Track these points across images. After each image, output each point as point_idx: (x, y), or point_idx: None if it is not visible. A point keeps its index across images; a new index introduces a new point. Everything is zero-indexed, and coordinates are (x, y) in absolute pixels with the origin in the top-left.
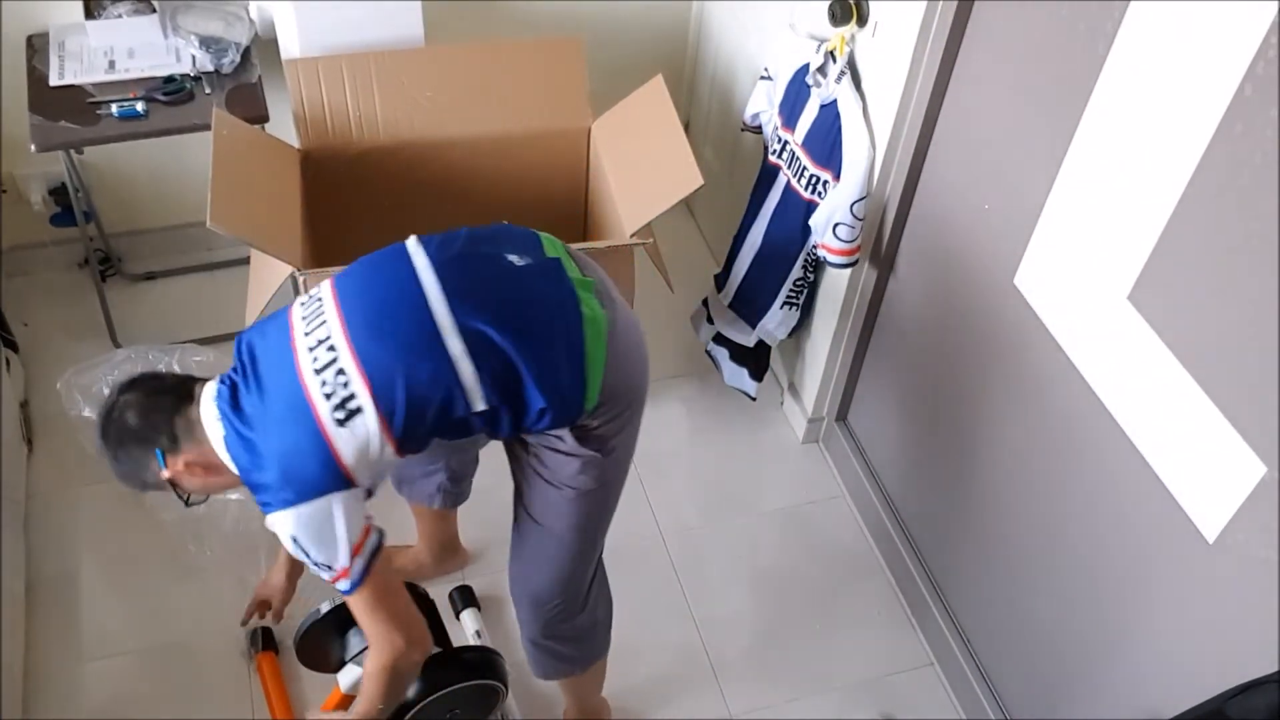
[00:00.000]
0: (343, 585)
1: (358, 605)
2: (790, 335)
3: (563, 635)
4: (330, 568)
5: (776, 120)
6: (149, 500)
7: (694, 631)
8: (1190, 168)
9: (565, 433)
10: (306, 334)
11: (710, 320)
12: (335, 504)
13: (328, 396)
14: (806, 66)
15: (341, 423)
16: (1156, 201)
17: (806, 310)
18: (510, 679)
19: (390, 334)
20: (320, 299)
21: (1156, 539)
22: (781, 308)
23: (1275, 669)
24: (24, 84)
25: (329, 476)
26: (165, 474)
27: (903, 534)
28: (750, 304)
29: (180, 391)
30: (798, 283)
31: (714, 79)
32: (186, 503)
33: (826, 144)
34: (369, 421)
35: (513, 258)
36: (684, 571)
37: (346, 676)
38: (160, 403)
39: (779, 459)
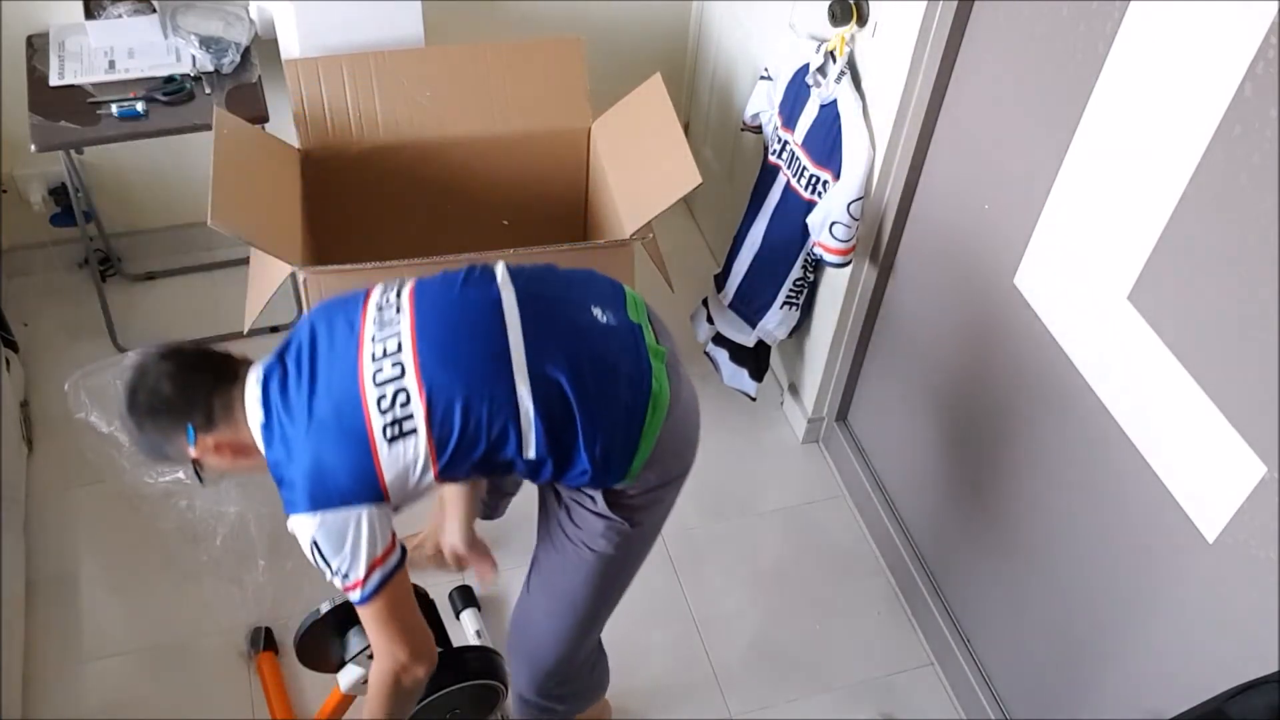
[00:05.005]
0: (354, 596)
1: (366, 615)
2: (790, 335)
3: (553, 695)
4: (346, 576)
5: (776, 120)
6: (148, 505)
7: (694, 631)
8: (1190, 168)
9: (597, 493)
10: (374, 339)
11: (710, 320)
12: (363, 517)
13: (383, 412)
14: (806, 66)
15: (391, 440)
16: (1156, 202)
17: (806, 310)
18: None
19: (461, 362)
20: (398, 309)
21: (1156, 539)
22: (781, 308)
23: (1275, 669)
24: (24, 84)
25: (364, 488)
26: (193, 452)
27: (903, 534)
28: (750, 304)
29: (222, 368)
30: (797, 283)
31: (714, 79)
32: (203, 482)
33: (826, 144)
34: (419, 444)
35: (598, 312)
36: (684, 571)
37: (346, 676)
38: (199, 378)
39: (779, 459)
